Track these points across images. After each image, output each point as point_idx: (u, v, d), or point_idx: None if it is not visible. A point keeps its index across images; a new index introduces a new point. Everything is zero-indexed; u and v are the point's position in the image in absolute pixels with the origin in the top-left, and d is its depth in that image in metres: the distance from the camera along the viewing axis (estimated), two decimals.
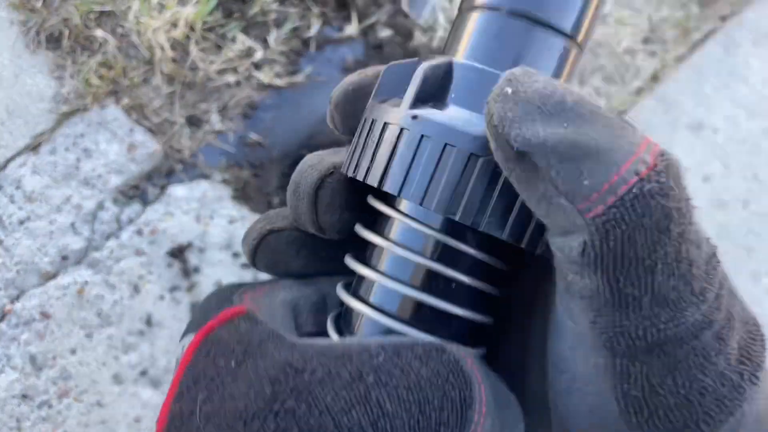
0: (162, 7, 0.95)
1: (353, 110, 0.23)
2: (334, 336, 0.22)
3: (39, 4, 0.93)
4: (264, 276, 0.26)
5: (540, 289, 0.22)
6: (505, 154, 0.17)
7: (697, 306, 0.17)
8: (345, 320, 0.23)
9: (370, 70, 0.23)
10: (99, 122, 0.91)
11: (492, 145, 0.18)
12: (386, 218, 0.22)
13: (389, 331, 0.21)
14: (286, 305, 0.23)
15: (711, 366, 0.17)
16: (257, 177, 0.94)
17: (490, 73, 0.19)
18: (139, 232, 0.87)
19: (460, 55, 0.21)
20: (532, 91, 0.17)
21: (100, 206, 0.88)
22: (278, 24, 1.00)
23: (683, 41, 1.15)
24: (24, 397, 0.80)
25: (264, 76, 0.97)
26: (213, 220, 0.90)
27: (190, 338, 0.20)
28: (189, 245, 0.88)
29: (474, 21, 0.21)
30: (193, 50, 0.95)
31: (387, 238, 0.22)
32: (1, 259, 0.84)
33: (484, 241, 0.21)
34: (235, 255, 0.89)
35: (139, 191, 0.90)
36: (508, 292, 0.23)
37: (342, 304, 0.23)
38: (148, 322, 0.85)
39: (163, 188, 0.91)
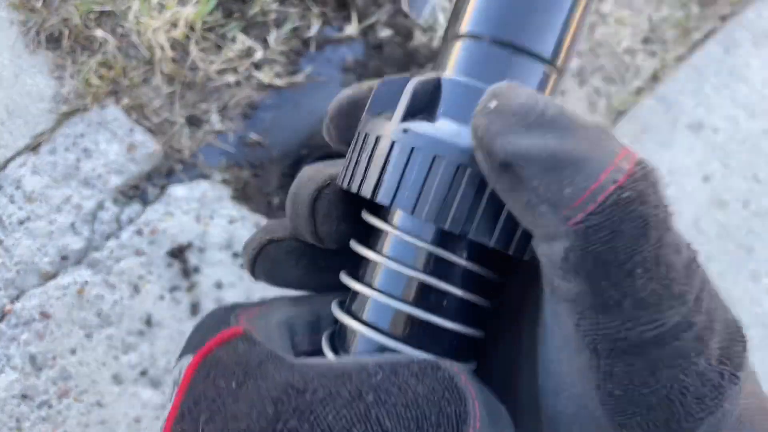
0: (162, 7, 0.95)
1: (349, 123, 0.23)
2: (329, 354, 0.23)
3: (39, 4, 0.93)
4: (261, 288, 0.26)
5: (529, 292, 0.22)
6: (490, 165, 0.18)
7: (676, 309, 0.17)
8: (340, 338, 0.23)
9: (365, 84, 0.24)
10: (99, 122, 0.91)
11: (478, 157, 0.19)
12: (379, 232, 0.23)
13: (384, 348, 0.22)
14: (281, 325, 0.24)
15: (691, 366, 0.17)
16: (257, 177, 0.94)
17: (477, 87, 0.21)
18: (139, 232, 0.87)
19: (448, 73, 0.22)
20: (514, 104, 0.18)
21: (100, 206, 0.88)
22: (278, 24, 1.00)
23: (683, 41, 1.15)
24: (24, 397, 0.80)
25: (264, 76, 0.97)
26: (213, 220, 0.90)
27: (188, 360, 0.21)
28: (189, 245, 0.88)
29: (458, 48, 0.22)
30: (193, 50, 0.95)
31: (380, 253, 0.22)
32: (1, 259, 0.84)
33: (474, 252, 0.22)
34: (235, 255, 0.89)
35: (139, 191, 0.90)
36: (499, 302, 0.23)
37: (336, 321, 0.24)
38: (148, 322, 0.85)
39: (163, 188, 0.91)
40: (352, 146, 0.22)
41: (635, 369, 0.18)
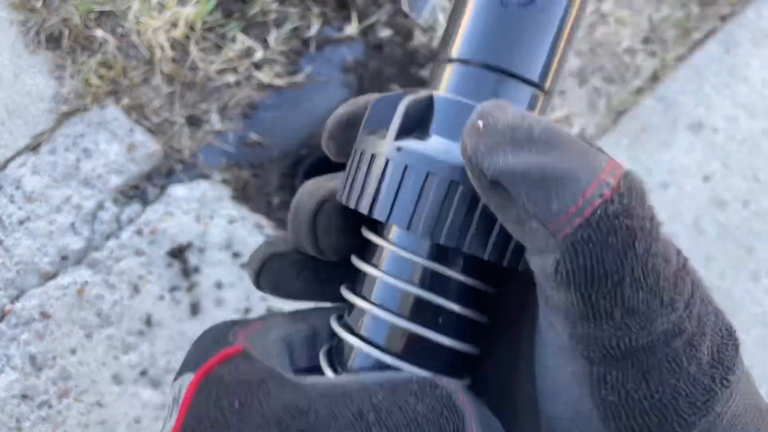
0: (162, 7, 0.95)
1: (346, 138, 0.24)
2: (327, 371, 0.23)
3: (39, 4, 0.93)
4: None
5: (526, 298, 0.23)
6: (480, 182, 0.19)
7: (666, 316, 0.18)
8: (338, 353, 0.24)
9: (361, 99, 0.25)
10: (99, 122, 0.91)
11: (468, 174, 0.19)
12: (377, 248, 0.23)
13: (381, 365, 0.22)
14: (279, 342, 0.24)
15: (683, 371, 0.18)
16: (257, 177, 0.94)
17: (468, 104, 0.21)
18: (139, 232, 0.87)
19: (440, 92, 0.23)
20: (502, 123, 0.19)
21: (100, 206, 0.88)
22: (278, 24, 1.00)
23: (683, 41, 1.15)
24: (24, 397, 0.80)
25: (264, 76, 0.97)
26: (213, 220, 0.90)
27: (188, 378, 0.21)
28: (189, 245, 0.88)
29: (449, 71, 0.23)
30: (193, 50, 0.96)
31: (378, 268, 0.23)
32: (1, 259, 0.84)
33: (470, 265, 0.22)
34: (235, 255, 0.89)
35: (139, 191, 0.90)
36: (494, 316, 0.24)
37: (334, 336, 0.24)
38: (148, 322, 0.85)
39: (163, 188, 0.91)
40: (349, 163, 0.23)
41: (628, 375, 0.18)
